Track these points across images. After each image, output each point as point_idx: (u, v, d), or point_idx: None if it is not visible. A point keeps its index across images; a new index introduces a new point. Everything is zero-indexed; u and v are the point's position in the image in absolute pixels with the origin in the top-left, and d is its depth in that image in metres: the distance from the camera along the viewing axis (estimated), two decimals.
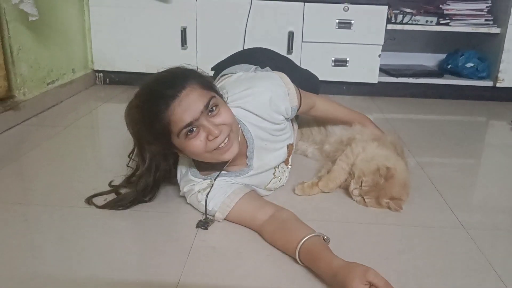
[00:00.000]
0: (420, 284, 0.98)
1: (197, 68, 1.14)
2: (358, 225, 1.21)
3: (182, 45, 2.50)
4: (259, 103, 1.23)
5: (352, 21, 2.45)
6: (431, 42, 2.87)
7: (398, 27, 2.54)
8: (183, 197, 1.26)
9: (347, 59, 2.51)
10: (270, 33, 2.47)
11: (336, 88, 2.61)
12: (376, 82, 2.58)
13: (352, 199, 1.31)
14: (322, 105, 1.46)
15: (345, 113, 1.54)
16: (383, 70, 2.64)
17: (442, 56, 2.84)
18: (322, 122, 1.59)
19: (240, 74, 1.38)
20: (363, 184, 1.23)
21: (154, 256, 1.05)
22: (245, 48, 2.44)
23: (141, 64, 2.55)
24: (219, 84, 1.38)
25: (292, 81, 1.33)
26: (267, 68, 1.49)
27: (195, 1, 2.45)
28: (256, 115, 1.22)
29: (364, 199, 1.26)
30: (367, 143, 1.34)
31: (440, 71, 2.76)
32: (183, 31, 2.48)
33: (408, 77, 2.61)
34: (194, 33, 2.50)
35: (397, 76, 2.61)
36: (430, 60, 2.90)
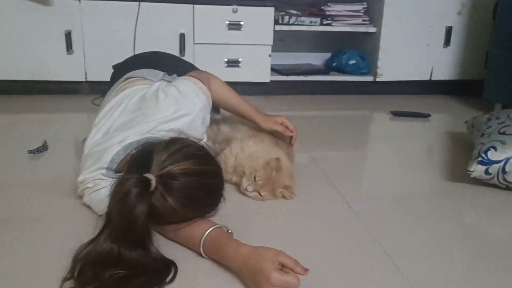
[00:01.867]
0: (317, 265, 1.03)
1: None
2: (256, 216, 1.25)
3: (68, 50, 2.36)
4: (192, 123, 1.26)
5: (242, 23, 2.50)
6: (318, 42, 3.03)
7: (285, 28, 2.65)
8: None
9: (240, 59, 2.57)
10: (161, 35, 2.44)
11: None
12: (269, 81, 2.66)
13: (248, 196, 1.34)
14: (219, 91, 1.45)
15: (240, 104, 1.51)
16: (275, 70, 2.74)
17: (328, 55, 3.02)
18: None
19: (158, 89, 1.32)
20: (257, 179, 1.27)
21: None
22: (140, 52, 2.37)
23: (23, 71, 2.36)
24: (125, 86, 1.37)
25: None
26: (174, 75, 1.48)
27: (79, 3, 2.33)
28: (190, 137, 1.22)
29: (260, 194, 1.30)
30: (244, 142, 1.39)
31: (326, 69, 2.93)
32: (68, 35, 2.35)
33: (298, 75, 2.74)
34: (80, 37, 2.38)
35: (287, 74, 2.72)
36: (318, 59, 3.06)
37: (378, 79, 2.78)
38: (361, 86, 2.83)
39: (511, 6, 2.27)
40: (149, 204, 0.96)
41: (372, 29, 2.74)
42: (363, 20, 2.77)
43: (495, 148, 1.46)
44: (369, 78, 2.80)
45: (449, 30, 2.75)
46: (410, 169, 1.70)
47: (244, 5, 2.49)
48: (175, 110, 1.25)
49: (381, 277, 1.02)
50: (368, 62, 2.82)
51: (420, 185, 1.55)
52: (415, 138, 2.11)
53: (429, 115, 2.40)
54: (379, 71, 2.76)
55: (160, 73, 1.46)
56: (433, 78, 2.83)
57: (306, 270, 0.91)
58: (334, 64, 2.90)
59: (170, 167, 0.99)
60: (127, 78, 1.44)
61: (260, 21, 2.53)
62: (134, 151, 1.12)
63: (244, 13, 2.50)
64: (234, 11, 2.48)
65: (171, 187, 0.98)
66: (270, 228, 1.22)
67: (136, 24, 2.39)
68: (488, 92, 2.48)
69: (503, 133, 1.52)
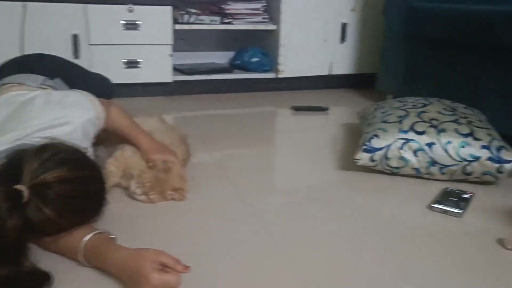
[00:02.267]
0: (206, 260, 1.03)
1: None
2: (147, 218, 1.23)
3: None
4: (73, 134, 1.17)
5: (139, 22, 2.44)
6: (222, 41, 3.04)
7: (186, 27, 2.63)
8: None
9: (139, 60, 2.50)
10: (52, 37, 2.31)
11: (131, 90, 2.58)
12: (171, 81, 2.63)
13: (137, 200, 1.31)
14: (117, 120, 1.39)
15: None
16: (178, 70, 2.71)
17: (233, 53, 3.03)
18: None
19: (38, 95, 1.25)
20: (145, 181, 1.25)
21: None
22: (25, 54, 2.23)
23: None
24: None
25: (84, 88, 1.30)
26: (57, 80, 1.40)
27: None
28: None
29: (148, 196, 1.27)
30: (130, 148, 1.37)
31: (230, 67, 2.94)
32: None
33: (201, 74, 2.73)
34: None
35: (190, 74, 2.70)
36: (222, 58, 3.07)
37: (280, 76, 2.84)
38: (264, 83, 2.88)
39: (397, 2, 2.41)
40: (23, 217, 0.90)
41: (272, 27, 2.80)
42: (263, 18, 2.82)
43: (377, 136, 1.55)
44: (272, 75, 2.85)
45: (344, 27, 2.88)
46: (308, 162, 1.75)
47: (140, 4, 2.43)
48: (55, 117, 1.19)
49: (271, 266, 1.04)
50: (271, 59, 2.88)
51: (315, 176, 1.61)
52: (314, 131, 2.19)
53: (327, 109, 2.50)
54: (280, 67, 2.82)
55: (40, 78, 1.37)
56: (332, 73, 2.95)
57: (187, 267, 0.90)
58: (238, 62, 2.92)
59: (43, 176, 0.93)
60: (2, 85, 1.34)
61: (158, 21, 2.48)
62: (4, 161, 1.04)
63: (141, 13, 2.44)
64: (130, 11, 2.41)
65: (46, 197, 0.93)
66: (162, 229, 1.20)
67: (23, 25, 2.25)
68: (381, 84, 2.63)
69: (385, 122, 1.62)
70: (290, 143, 2.02)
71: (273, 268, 1.04)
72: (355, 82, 3.04)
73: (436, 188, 1.48)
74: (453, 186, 1.50)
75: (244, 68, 2.89)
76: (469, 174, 1.50)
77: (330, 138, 2.07)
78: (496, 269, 1.08)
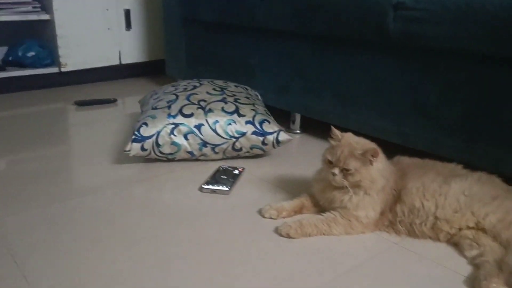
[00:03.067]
0: None
1: None
2: None
3: None
4: None
5: None
6: None
7: None
8: None
9: None
10: None
11: None
12: None
13: None
14: None
15: None
16: None
17: (4, 49, 2.68)
18: None
19: None
20: None
21: None
22: None
23: None
24: None
25: None
26: None
27: None
28: None
29: None
30: None
31: (3, 64, 2.59)
32: None
33: None
34: None
35: None
36: None
37: (63, 70, 2.61)
38: (46, 79, 2.61)
39: None
40: None
41: (45, 16, 2.54)
42: (33, 7, 2.54)
43: (146, 124, 1.50)
44: (54, 70, 2.60)
45: (128, 13, 2.77)
46: (86, 158, 1.62)
47: None
48: None
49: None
50: (50, 52, 2.62)
51: (93, 173, 1.49)
52: (97, 125, 2.05)
53: (115, 100, 2.37)
54: (62, 60, 2.59)
55: None
56: (122, 62, 2.82)
57: None
58: (11, 58, 2.59)
59: None
60: None
61: None
62: None
63: None
64: None
65: None
66: None
67: None
68: (169, 70, 2.60)
69: (155, 108, 1.57)
70: (70, 141, 1.85)
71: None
72: (146, 70, 2.96)
73: (212, 168, 1.50)
74: (227, 164, 1.53)
75: (21, 64, 2.58)
76: (239, 150, 1.55)
77: (113, 131, 1.96)
78: (255, 234, 1.13)
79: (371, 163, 1.12)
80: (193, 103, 1.56)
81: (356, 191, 1.13)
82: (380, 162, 1.15)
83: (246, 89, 1.80)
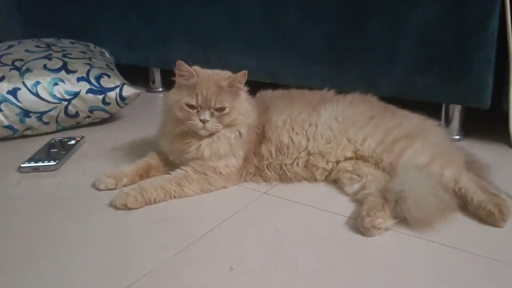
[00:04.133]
0: None
1: None
2: None
3: None
4: None
5: None
6: None
7: None
8: None
9: None
10: None
11: None
12: None
13: None
14: None
15: None
16: None
17: None
18: None
19: None
20: None
21: None
22: None
23: None
24: None
25: None
26: None
27: None
28: None
29: None
30: None
31: None
32: None
33: None
34: None
35: None
36: None
37: None
38: None
39: None
40: None
41: None
42: None
43: None
44: None
45: None
46: None
47: None
48: None
49: None
50: None
51: None
52: None
53: None
54: None
55: None
56: None
57: None
58: None
59: None
60: None
61: None
62: None
63: None
64: None
65: None
66: None
67: None
68: (2, 36, 2.16)
69: None
70: None
71: None
72: None
73: (43, 144, 1.17)
74: (61, 136, 1.21)
75: None
76: (75, 115, 1.24)
77: None
78: (86, 214, 0.84)
79: (237, 93, 0.89)
80: (5, 64, 1.21)
81: (219, 134, 0.89)
82: (243, 92, 0.92)
83: (87, 45, 1.47)
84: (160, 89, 1.66)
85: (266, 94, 1.03)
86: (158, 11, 1.50)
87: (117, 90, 1.25)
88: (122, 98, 1.25)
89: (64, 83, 1.21)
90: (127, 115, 1.39)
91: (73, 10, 1.76)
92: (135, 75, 1.51)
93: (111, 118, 1.33)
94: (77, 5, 1.73)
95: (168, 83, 1.74)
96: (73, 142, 1.15)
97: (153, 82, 1.66)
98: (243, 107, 0.91)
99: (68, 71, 1.22)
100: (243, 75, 0.88)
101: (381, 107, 0.96)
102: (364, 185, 0.85)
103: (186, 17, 1.44)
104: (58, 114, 1.21)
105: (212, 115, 0.87)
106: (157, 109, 1.49)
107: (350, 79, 1.16)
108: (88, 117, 1.26)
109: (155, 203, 0.86)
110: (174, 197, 0.88)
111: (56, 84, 1.20)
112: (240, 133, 0.91)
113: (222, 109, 0.88)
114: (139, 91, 1.30)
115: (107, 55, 1.51)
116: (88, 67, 1.26)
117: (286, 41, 1.23)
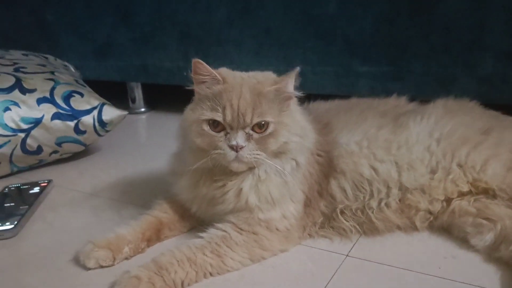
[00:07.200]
0: None
1: None
2: None
3: None
4: None
5: None
6: None
7: None
8: None
9: None
10: None
11: None
12: None
13: None
14: None
15: None
16: None
17: None
18: None
19: None
20: None
21: None
22: None
23: None
24: None
25: None
26: None
27: None
28: None
29: None
30: None
31: None
32: None
33: None
34: None
35: None
36: None
37: None
38: None
39: None
40: None
41: None
42: None
43: None
44: None
45: None
46: None
47: None
48: None
49: None
50: None
51: None
52: None
53: None
54: None
55: None
56: None
57: None
58: None
59: None
60: None
61: None
62: None
63: None
64: None
65: None
66: None
67: None
68: None
69: None
70: None
71: None
72: None
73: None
74: (19, 181, 0.86)
75: None
76: (37, 152, 0.89)
77: None
78: None
79: (287, 103, 0.58)
80: None
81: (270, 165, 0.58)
82: (294, 101, 0.61)
83: (45, 57, 1.13)
84: (143, 109, 1.34)
85: (318, 106, 0.73)
86: (136, 2, 1.19)
87: (95, 112, 0.91)
88: (102, 124, 0.92)
89: (19, 107, 0.86)
90: (103, 146, 1.05)
91: (17, 12, 1.41)
92: (109, 93, 1.16)
93: (85, 152, 0.99)
94: (24, 4, 1.38)
95: (153, 101, 1.42)
96: (36, 189, 0.82)
97: (133, 101, 1.33)
98: (296, 122, 0.60)
99: (24, 90, 0.88)
100: (294, 74, 0.58)
101: (490, 115, 0.68)
102: (503, 235, 0.56)
103: (175, 7, 1.13)
104: (13, 151, 0.86)
105: (248, 137, 0.56)
106: (141, 136, 1.17)
107: (412, 82, 0.88)
108: (55, 152, 0.92)
109: (183, 287, 0.54)
110: (211, 274, 0.56)
111: (7, 109, 0.85)
112: (297, 163, 0.60)
113: (263, 125, 0.57)
114: (125, 113, 0.97)
115: (72, 69, 1.17)
116: (51, 83, 0.92)
117: (317, 33, 0.94)
